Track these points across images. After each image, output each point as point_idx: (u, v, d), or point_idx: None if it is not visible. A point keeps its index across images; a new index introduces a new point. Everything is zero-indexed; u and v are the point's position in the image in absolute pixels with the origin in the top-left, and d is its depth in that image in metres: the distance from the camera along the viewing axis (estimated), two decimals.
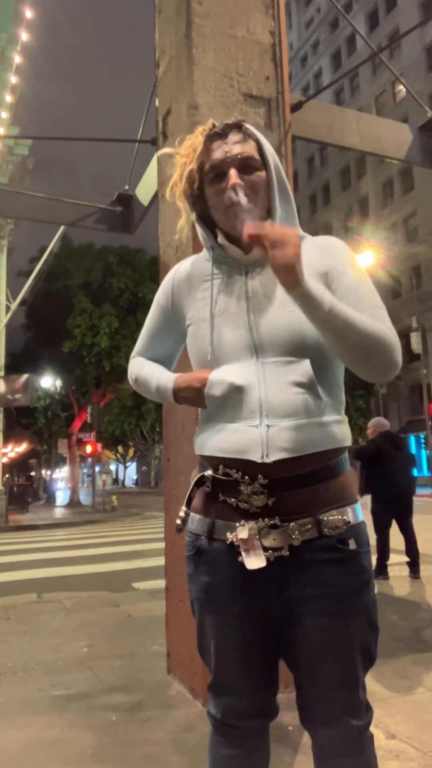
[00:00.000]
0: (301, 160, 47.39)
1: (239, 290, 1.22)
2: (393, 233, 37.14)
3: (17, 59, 12.86)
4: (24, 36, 11.61)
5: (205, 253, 1.31)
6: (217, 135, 1.19)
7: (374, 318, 1.15)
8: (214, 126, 1.21)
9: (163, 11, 3.33)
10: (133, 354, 1.45)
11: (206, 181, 1.21)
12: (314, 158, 47.24)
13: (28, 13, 11.01)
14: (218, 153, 1.19)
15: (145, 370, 1.38)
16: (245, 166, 1.18)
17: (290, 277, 1.04)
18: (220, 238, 1.25)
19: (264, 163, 1.20)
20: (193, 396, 1.23)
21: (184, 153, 1.21)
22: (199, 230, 1.29)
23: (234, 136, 1.19)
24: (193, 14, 2.92)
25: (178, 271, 1.37)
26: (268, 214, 1.23)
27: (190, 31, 2.90)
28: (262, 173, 1.20)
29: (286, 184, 1.24)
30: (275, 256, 1.03)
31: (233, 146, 1.18)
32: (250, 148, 1.19)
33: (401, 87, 34.82)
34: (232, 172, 1.17)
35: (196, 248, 1.29)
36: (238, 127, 1.20)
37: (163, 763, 2.08)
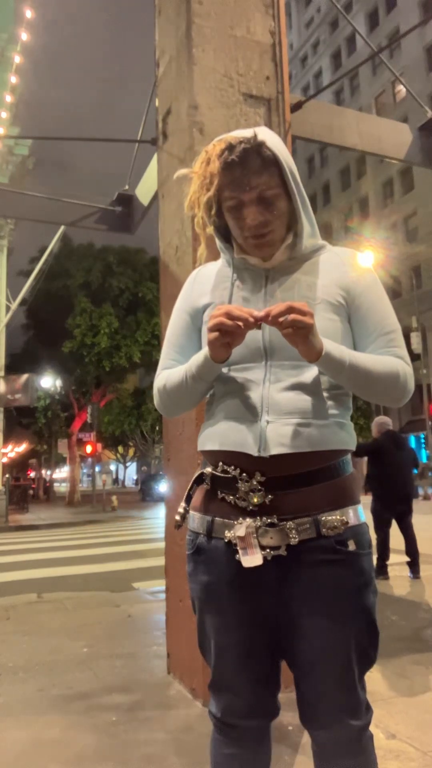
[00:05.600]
0: (301, 160, 47.35)
1: (257, 294, 1.23)
2: (393, 233, 37.11)
3: (17, 59, 12.84)
4: (24, 36, 11.58)
5: (225, 261, 1.32)
6: (235, 163, 1.15)
7: (390, 345, 1.22)
8: (231, 148, 1.15)
9: (163, 11, 3.33)
10: (158, 371, 1.34)
11: (224, 207, 1.21)
12: (314, 158, 47.22)
13: (28, 13, 10.99)
14: (237, 185, 1.16)
15: (174, 371, 1.29)
16: (265, 198, 1.17)
17: (310, 350, 1.08)
18: (236, 251, 1.27)
19: (284, 181, 1.18)
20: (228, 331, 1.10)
21: (200, 173, 1.18)
22: (218, 243, 1.30)
23: (254, 163, 1.15)
24: (193, 14, 2.92)
25: (199, 274, 1.37)
26: (288, 229, 1.24)
27: (190, 31, 2.90)
28: (283, 198, 1.19)
29: (305, 197, 1.23)
30: (289, 335, 1.06)
31: (252, 177, 1.15)
32: (269, 177, 1.16)
33: (401, 87, 34.83)
34: (252, 208, 1.17)
35: (197, 250, 1.28)
36: (257, 151, 1.14)
37: (163, 763, 2.08)
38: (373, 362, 1.17)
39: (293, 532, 1.11)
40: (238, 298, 1.25)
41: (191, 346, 1.31)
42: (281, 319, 1.05)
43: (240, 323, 1.08)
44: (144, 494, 28.46)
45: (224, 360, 1.16)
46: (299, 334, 1.06)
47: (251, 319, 1.08)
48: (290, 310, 1.05)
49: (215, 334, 1.10)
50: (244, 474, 1.14)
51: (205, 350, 1.18)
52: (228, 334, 1.09)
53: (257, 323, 1.08)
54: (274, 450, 1.12)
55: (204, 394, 1.28)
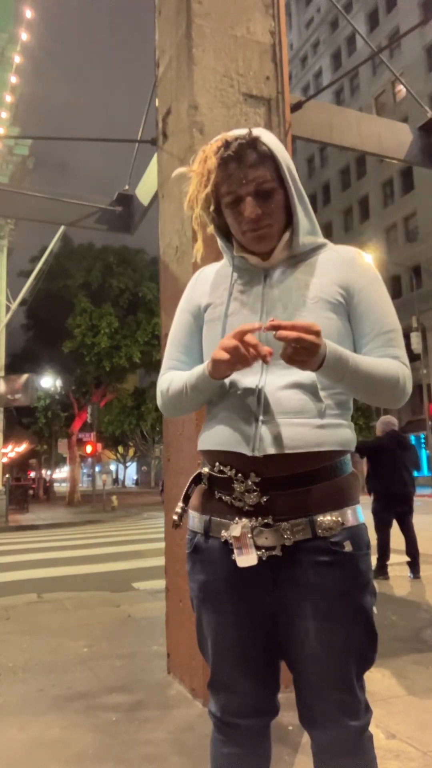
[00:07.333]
0: (301, 160, 47.35)
1: (256, 294, 1.24)
2: (393, 233, 37.11)
3: (17, 59, 12.84)
4: (24, 36, 11.58)
5: (227, 260, 1.33)
6: (231, 158, 1.16)
7: (388, 345, 1.20)
8: (227, 145, 1.17)
9: (163, 11, 3.33)
10: (162, 371, 1.36)
11: (223, 203, 1.22)
12: (314, 158, 47.21)
13: (28, 13, 10.99)
14: (234, 179, 1.17)
15: (178, 377, 1.29)
16: (262, 191, 1.17)
17: (309, 367, 1.07)
18: (236, 250, 1.27)
19: (280, 176, 1.19)
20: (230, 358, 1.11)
21: (198, 171, 1.20)
22: (219, 242, 1.31)
23: (249, 157, 1.16)
24: (193, 14, 2.92)
25: (201, 275, 1.38)
26: (286, 226, 1.24)
27: (190, 31, 2.90)
28: (280, 192, 1.19)
29: (303, 194, 1.24)
30: (289, 356, 1.04)
31: (248, 171, 1.16)
32: (265, 171, 1.17)
33: (401, 87, 34.84)
34: (249, 201, 1.17)
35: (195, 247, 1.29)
36: (252, 146, 1.17)
37: (163, 763, 2.08)
38: (373, 368, 1.15)
39: (288, 532, 1.11)
40: (236, 298, 1.25)
41: (194, 346, 1.33)
42: (285, 335, 1.03)
43: (253, 351, 1.07)
44: None
45: (223, 378, 1.17)
46: (302, 353, 1.04)
47: (263, 353, 1.07)
48: (294, 328, 1.03)
49: (225, 355, 1.09)
50: (240, 474, 1.14)
51: (204, 365, 1.18)
52: (238, 360, 1.08)
53: (264, 357, 1.08)
54: (268, 450, 1.12)
55: (203, 403, 1.29)
